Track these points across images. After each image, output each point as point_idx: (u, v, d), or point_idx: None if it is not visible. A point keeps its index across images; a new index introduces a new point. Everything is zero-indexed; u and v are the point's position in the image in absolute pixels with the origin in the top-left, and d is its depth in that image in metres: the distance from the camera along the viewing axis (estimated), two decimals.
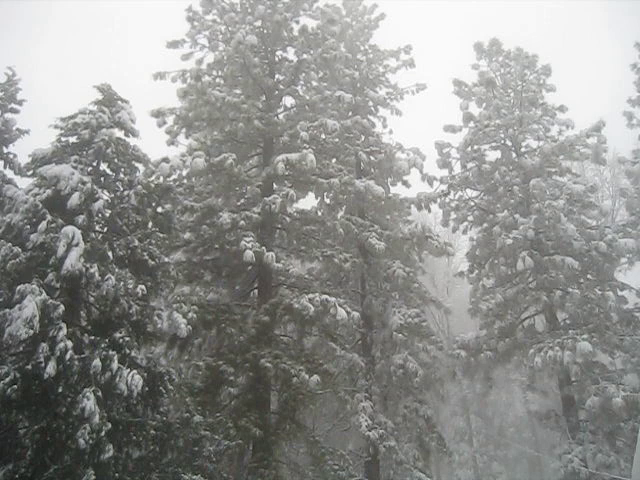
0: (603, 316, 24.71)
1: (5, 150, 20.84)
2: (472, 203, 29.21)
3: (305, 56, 24.03)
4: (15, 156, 20.83)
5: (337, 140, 24.45)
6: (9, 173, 20.59)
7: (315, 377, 19.37)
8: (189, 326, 16.58)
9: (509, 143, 28.84)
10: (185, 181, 22.53)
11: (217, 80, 24.65)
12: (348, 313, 20.07)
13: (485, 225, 28.09)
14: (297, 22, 24.65)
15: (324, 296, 20.29)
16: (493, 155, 29.15)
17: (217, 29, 24.93)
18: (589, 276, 26.23)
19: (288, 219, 23.69)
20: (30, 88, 22.07)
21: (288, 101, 25.20)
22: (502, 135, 28.75)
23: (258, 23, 24.47)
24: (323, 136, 23.49)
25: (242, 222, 20.93)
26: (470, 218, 29.15)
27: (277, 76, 25.07)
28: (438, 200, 28.64)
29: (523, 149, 28.82)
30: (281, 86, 24.54)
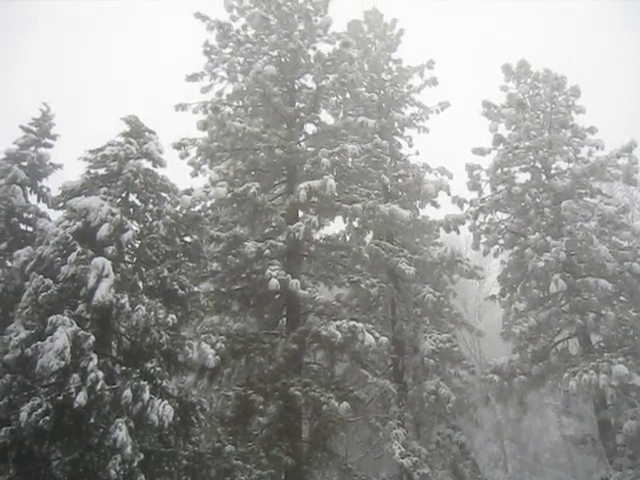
0: (638, 338, 24.29)
1: (39, 184, 21.24)
2: (502, 226, 28.98)
3: (324, 82, 24.18)
4: (48, 190, 21.23)
5: (362, 165, 24.42)
6: (43, 206, 21.03)
7: (345, 404, 19.24)
8: (217, 356, 16.62)
9: (539, 165, 28.64)
10: (210, 211, 22.66)
11: (238, 110, 24.88)
12: (376, 339, 19.94)
13: (516, 248, 27.84)
14: (314, 48, 24.93)
15: (352, 322, 20.20)
16: (523, 177, 28.97)
17: (235, 61, 25.20)
18: (623, 298, 25.82)
19: (314, 246, 23.74)
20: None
21: (310, 128, 25.39)
22: (532, 157, 28.56)
23: (275, 52, 24.70)
24: (348, 162, 23.44)
25: (267, 251, 21.01)
26: (501, 241, 28.91)
27: (297, 104, 25.25)
28: (467, 222, 28.46)
29: (553, 171, 28.60)
30: (302, 114, 24.65)
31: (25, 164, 20.92)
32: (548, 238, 25.97)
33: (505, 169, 28.72)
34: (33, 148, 21.32)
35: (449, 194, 27.60)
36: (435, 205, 28.87)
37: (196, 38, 25.36)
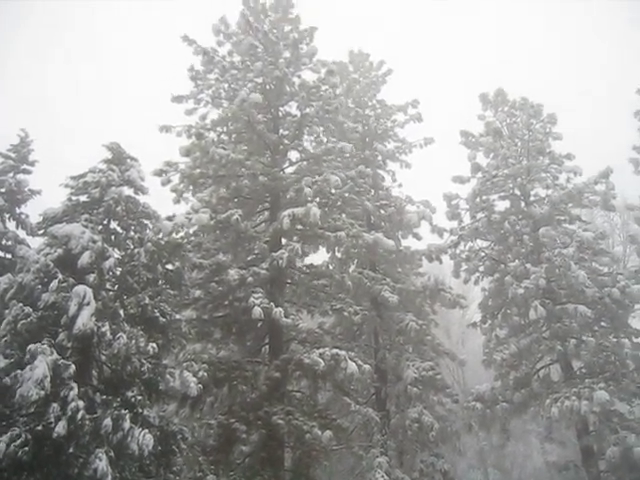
0: (619, 364, 24.37)
1: (18, 210, 21.12)
2: (483, 253, 29.08)
3: (307, 110, 24.26)
4: (27, 216, 21.11)
5: (346, 194, 24.50)
6: (21, 233, 20.88)
7: (328, 433, 19.18)
8: (200, 385, 16.50)
9: (518, 192, 28.86)
10: (193, 238, 22.56)
11: (222, 136, 24.96)
12: (359, 367, 19.89)
13: (497, 275, 27.90)
14: (299, 76, 25.07)
15: (334, 350, 20.17)
16: (502, 205, 29.11)
17: (220, 87, 25.42)
18: (603, 323, 25.88)
19: (297, 274, 23.74)
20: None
21: (293, 155, 25.50)
22: (510, 185, 28.77)
23: (260, 80, 24.80)
24: (332, 190, 23.53)
25: (250, 278, 20.97)
26: (481, 268, 28.97)
27: (281, 131, 25.34)
28: (449, 251, 28.60)
29: (532, 198, 28.80)
30: (286, 141, 24.77)
31: (3, 190, 20.82)
32: (528, 265, 26.10)
33: (484, 197, 28.86)
34: (11, 174, 21.24)
35: (431, 224, 27.78)
36: (417, 237, 29.09)
37: (185, 52, 25.51)
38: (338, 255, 26.23)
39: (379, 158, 30.39)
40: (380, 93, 31.77)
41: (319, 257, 25.92)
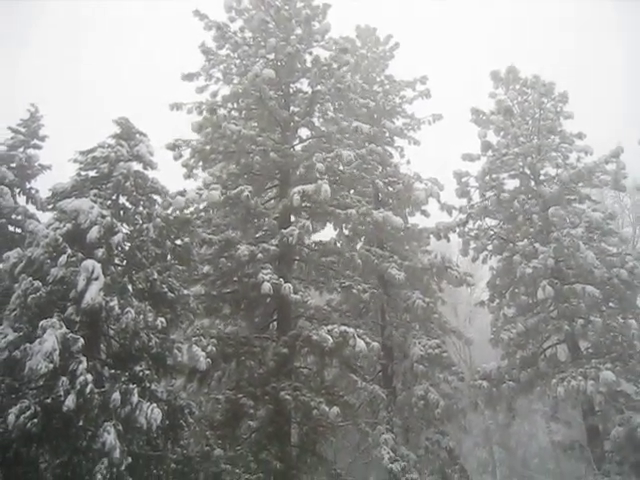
0: (626, 345, 24.35)
1: (28, 185, 21.21)
2: (491, 232, 28.97)
3: (319, 87, 24.06)
4: (37, 191, 21.23)
5: (355, 171, 24.40)
6: (31, 208, 20.99)
7: (335, 409, 19.25)
8: (208, 359, 16.59)
9: (527, 171, 28.66)
10: (203, 214, 22.57)
11: (232, 113, 24.75)
12: (367, 344, 19.93)
13: (505, 254, 27.82)
14: (310, 53, 24.77)
15: (343, 327, 20.18)
16: (512, 184, 28.91)
17: (231, 63, 25.23)
18: (611, 304, 25.83)
19: (306, 250, 23.73)
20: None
21: (304, 132, 25.36)
22: (520, 163, 28.56)
23: (271, 56, 24.64)
24: (341, 167, 23.46)
25: (260, 255, 20.94)
26: (490, 247, 28.88)
27: (292, 108, 25.16)
28: (457, 229, 28.50)
29: (542, 177, 28.60)
30: (297, 118, 24.62)
31: (13, 165, 20.93)
32: (536, 244, 25.98)
33: (494, 176, 28.67)
34: (22, 149, 21.36)
35: (439, 201, 27.62)
36: (425, 214, 28.98)
37: (193, 36, 25.39)
38: (346, 232, 26.18)
39: (387, 135, 30.30)
40: (388, 69, 31.66)
41: (326, 233, 25.93)
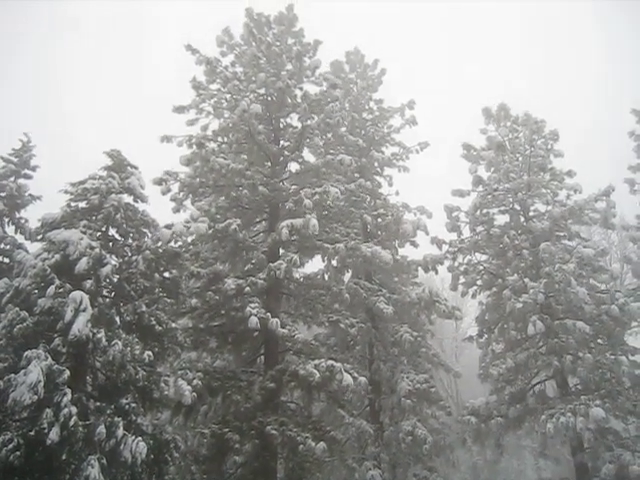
0: (615, 381, 24.27)
1: (17, 215, 21.16)
2: (481, 267, 29.03)
3: (309, 122, 24.33)
4: (26, 221, 21.16)
5: (343, 204, 24.57)
6: (20, 238, 20.92)
7: (321, 444, 19.07)
8: (194, 393, 16.47)
9: (518, 207, 28.86)
10: (191, 247, 22.56)
11: (222, 146, 24.92)
12: (355, 379, 19.85)
13: (494, 289, 27.91)
14: (301, 89, 25.08)
15: (330, 362, 20.08)
16: (502, 219, 29.09)
17: (221, 97, 25.51)
18: (600, 340, 25.84)
19: (294, 284, 23.74)
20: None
21: (293, 166, 25.53)
22: (511, 199, 28.77)
23: (262, 90, 24.92)
24: (329, 201, 23.57)
25: (247, 288, 20.97)
26: (479, 282, 28.92)
27: (282, 142, 25.45)
28: (445, 262, 28.56)
29: (532, 213, 28.80)
30: (286, 152, 24.88)
31: (3, 194, 20.87)
32: (526, 280, 26.08)
33: (484, 211, 28.87)
34: (12, 179, 21.30)
35: (427, 234, 27.73)
36: (414, 245, 29.04)
37: (187, 66, 25.64)
38: (334, 264, 26.20)
39: (376, 165, 30.61)
40: (377, 93, 32.22)
41: (314, 264, 25.96)
